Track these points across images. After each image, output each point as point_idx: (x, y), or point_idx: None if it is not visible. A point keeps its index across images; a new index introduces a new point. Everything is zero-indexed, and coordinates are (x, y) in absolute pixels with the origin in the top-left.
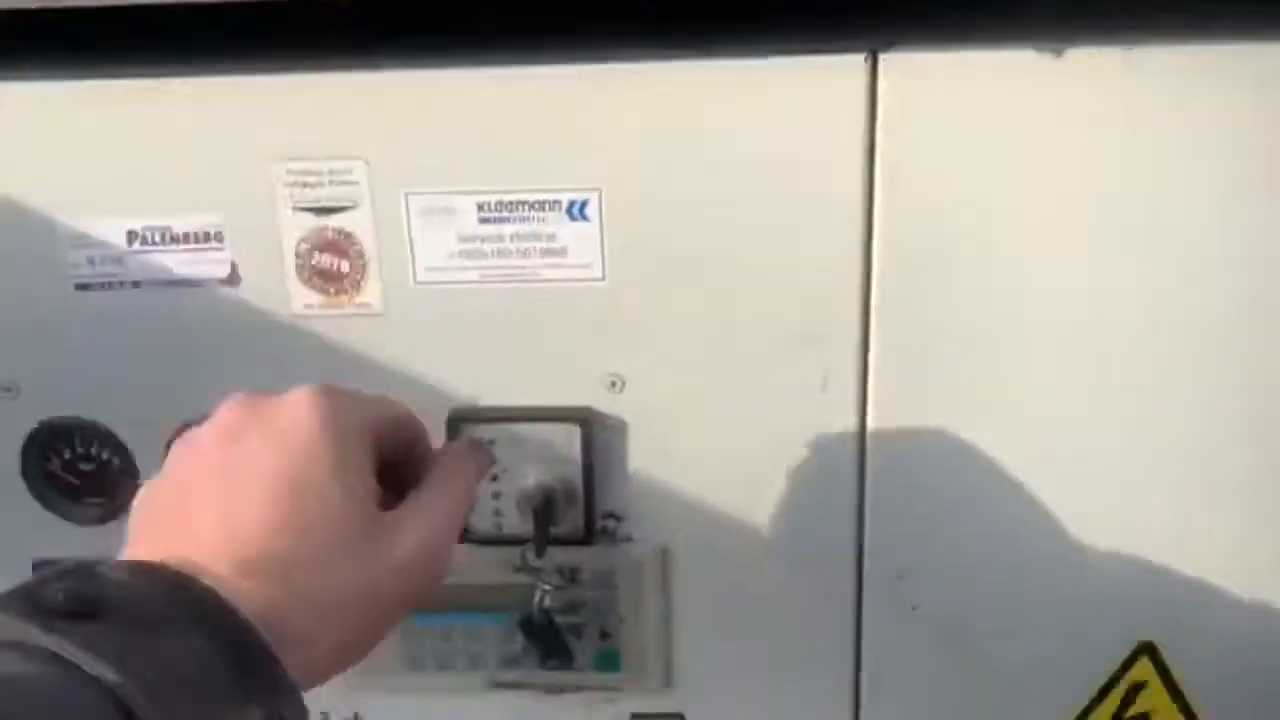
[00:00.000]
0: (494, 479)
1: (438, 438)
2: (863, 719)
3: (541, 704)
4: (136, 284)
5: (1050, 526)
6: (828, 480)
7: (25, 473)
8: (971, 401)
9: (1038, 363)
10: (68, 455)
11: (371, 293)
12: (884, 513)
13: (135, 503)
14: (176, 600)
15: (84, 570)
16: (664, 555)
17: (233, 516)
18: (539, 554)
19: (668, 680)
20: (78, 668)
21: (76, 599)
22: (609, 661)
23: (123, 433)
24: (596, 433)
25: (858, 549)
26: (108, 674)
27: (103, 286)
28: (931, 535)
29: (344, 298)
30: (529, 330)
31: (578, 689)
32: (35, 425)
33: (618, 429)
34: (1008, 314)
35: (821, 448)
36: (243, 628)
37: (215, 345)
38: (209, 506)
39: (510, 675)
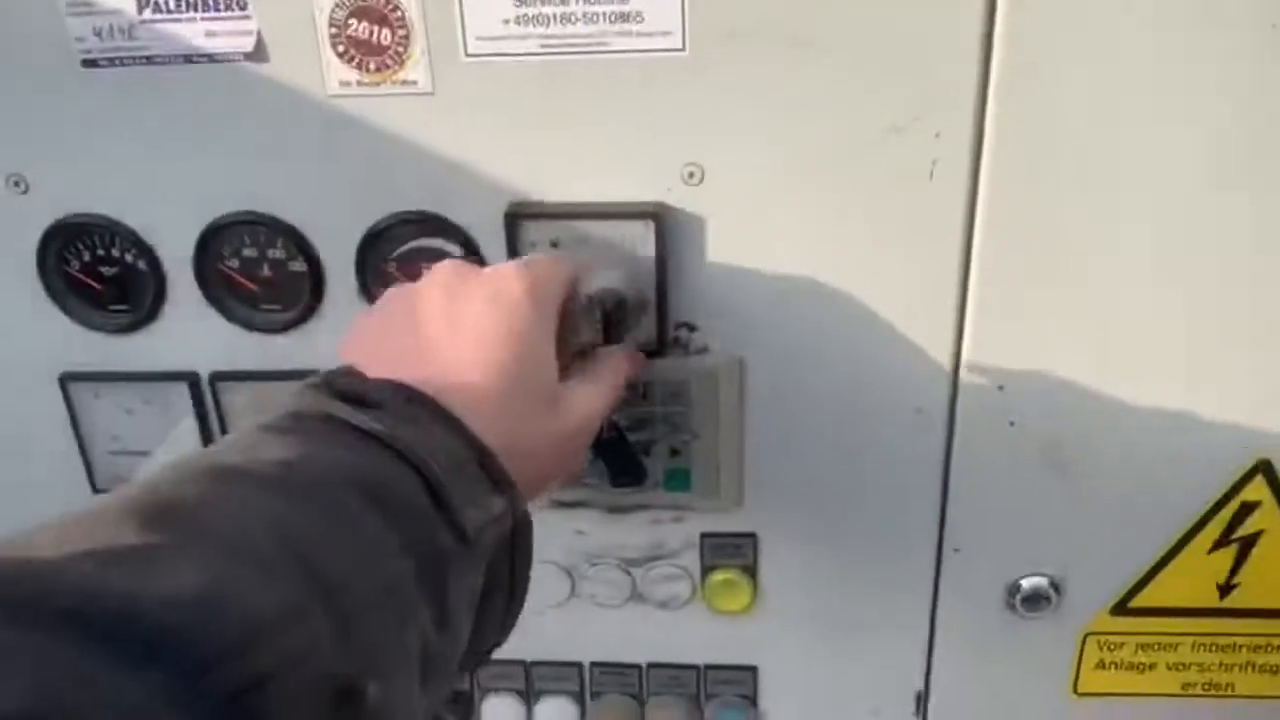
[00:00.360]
0: None
1: (494, 236)
2: (947, 538)
3: (604, 525)
4: (150, 59)
5: (1162, 342)
6: (926, 284)
7: (44, 277)
8: (1089, 202)
9: (1166, 165)
10: (87, 257)
11: (416, 68)
12: (987, 319)
13: (350, 335)
14: (417, 405)
15: (356, 371)
16: (740, 367)
17: (457, 359)
18: None
19: (740, 499)
20: (375, 438)
21: (355, 394)
22: (679, 480)
23: (147, 232)
24: (671, 231)
25: (955, 357)
26: (404, 445)
27: (112, 63)
28: (1037, 346)
29: (385, 74)
30: (596, 112)
31: (644, 508)
32: (50, 224)
33: (695, 227)
34: (1132, 108)
35: (922, 247)
36: (473, 435)
37: (240, 131)
38: (432, 347)
39: (571, 494)
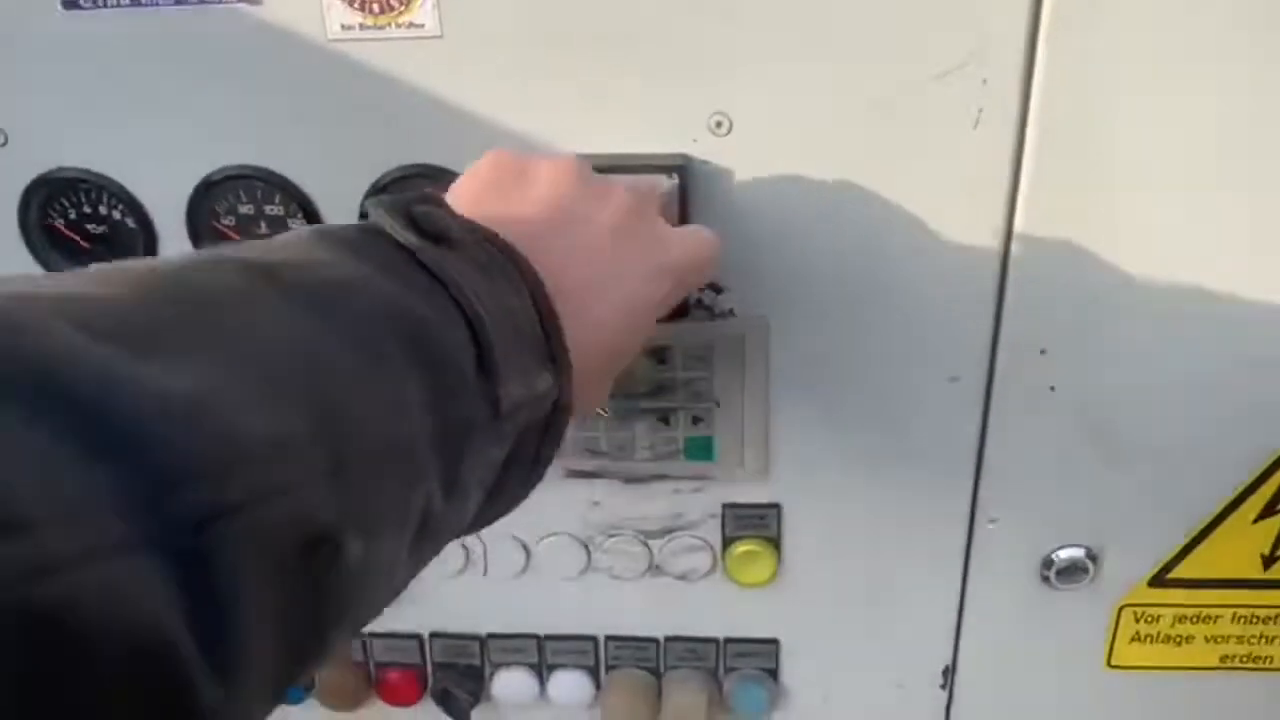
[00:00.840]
0: None
1: None
2: (981, 509)
3: (621, 495)
4: (136, 1)
5: (1210, 307)
6: (967, 243)
7: (26, 235)
8: (1140, 160)
9: (1214, 125)
10: (73, 215)
11: (424, 10)
12: (1030, 280)
13: (450, 191)
14: (497, 252)
15: (436, 201)
16: (767, 330)
17: (546, 216)
18: None
19: (764, 469)
20: (443, 283)
21: (437, 225)
22: (701, 449)
23: (136, 188)
24: (696, 185)
25: (995, 321)
26: (469, 300)
27: (95, 4)
28: (1081, 309)
29: (390, 16)
30: (617, 55)
31: (663, 479)
32: (31, 179)
33: (721, 181)
34: (1184, 60)
35: (963, 202)
36: (546, 300)
37: (234, 79)
38: (529, 201)
39: (587, 463)
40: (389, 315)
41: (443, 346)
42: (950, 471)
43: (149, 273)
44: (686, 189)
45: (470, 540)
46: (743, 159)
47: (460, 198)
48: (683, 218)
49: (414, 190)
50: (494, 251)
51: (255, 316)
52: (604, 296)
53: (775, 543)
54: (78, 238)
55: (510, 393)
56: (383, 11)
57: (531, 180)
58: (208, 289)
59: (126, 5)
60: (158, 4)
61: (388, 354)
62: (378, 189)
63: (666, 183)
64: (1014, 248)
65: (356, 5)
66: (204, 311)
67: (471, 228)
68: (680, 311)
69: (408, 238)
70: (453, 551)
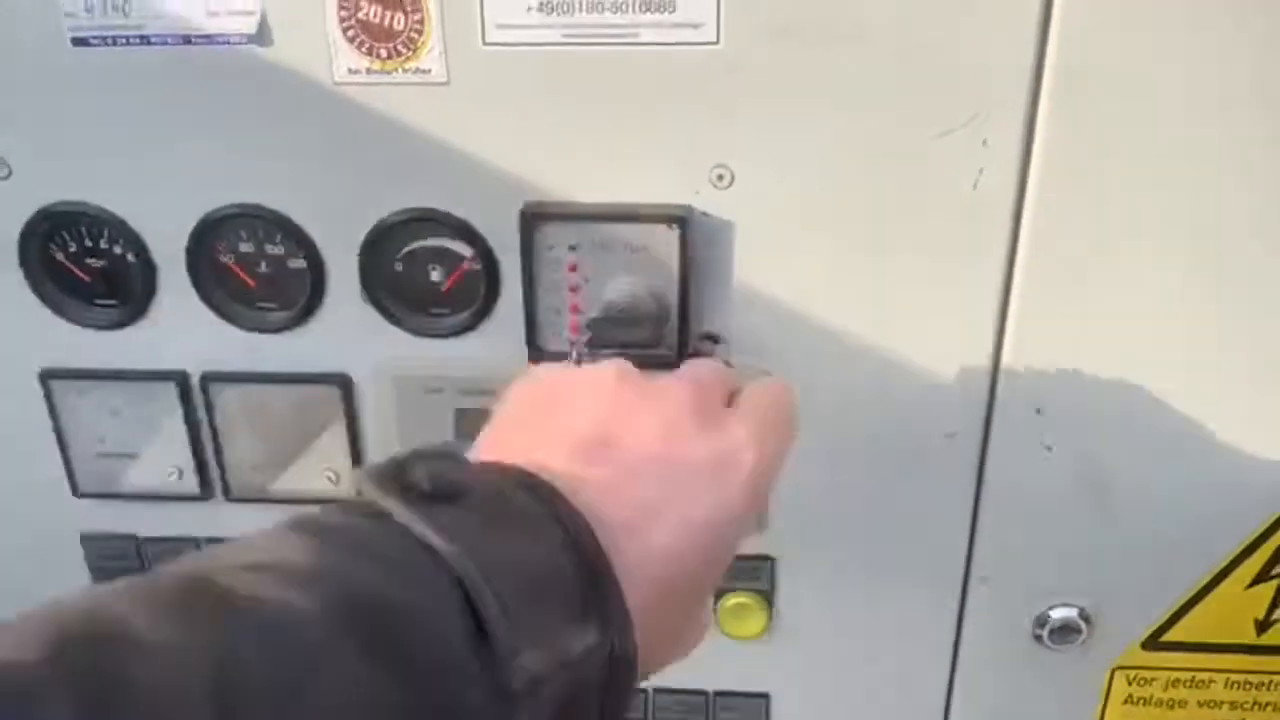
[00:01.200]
0: (573, 290)
1: (509, 237)
2: (975, 567)
3: None
4: (145, 39)
5: (1208, 370)
6: (964, 300)
7: (26, 268)
8: (1139, 223)
9: (1212, 192)
10: (74, 249)
11: (431, 56)
12: (1027, 338)
13: (483, 434)
14: (534, 499)
15: (451, 453)
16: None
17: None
18: None
19: (763, 524)
20: (429, 548)
21: (440, 482)
22: None
23: (138, 223)
24: (696, 237)
25: (992, 378)
26: (457, 558)
27: (104, 41)
28: (1077, 368)
29: (397, 62)
30: (621, 108)
31: None
32: (33, 212)
33: (721, 233)
34: (1182, 137)
35: (961, 261)
36: (591, 539)
37: (240, 119)
38: (571, 427)
39: None
40: (348, 612)
41: (421, 634)
42: (945, 528)
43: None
44: (688, 239)
45: None
46: (743, 212)
47: (490, 439)
48: (683, 267)
49: (441, 446)
50: (517, 495)
51: (175, 647)
52: (664, 520)
53: (768, 596)
54: (78, 271)
55: (528, 663)
56: (390, 57)
57: (565, 405)
58: (128, 622)
59: (135, 43)
60: (166, 41)
61: (344, 662)
62: (379, 232)
63: (728, 367)
64: (1012, 306)
65: (364, 50)
66: (120, 643)
67: (489, 474)
68: (678, 361)
69: (393, 504)
70: None
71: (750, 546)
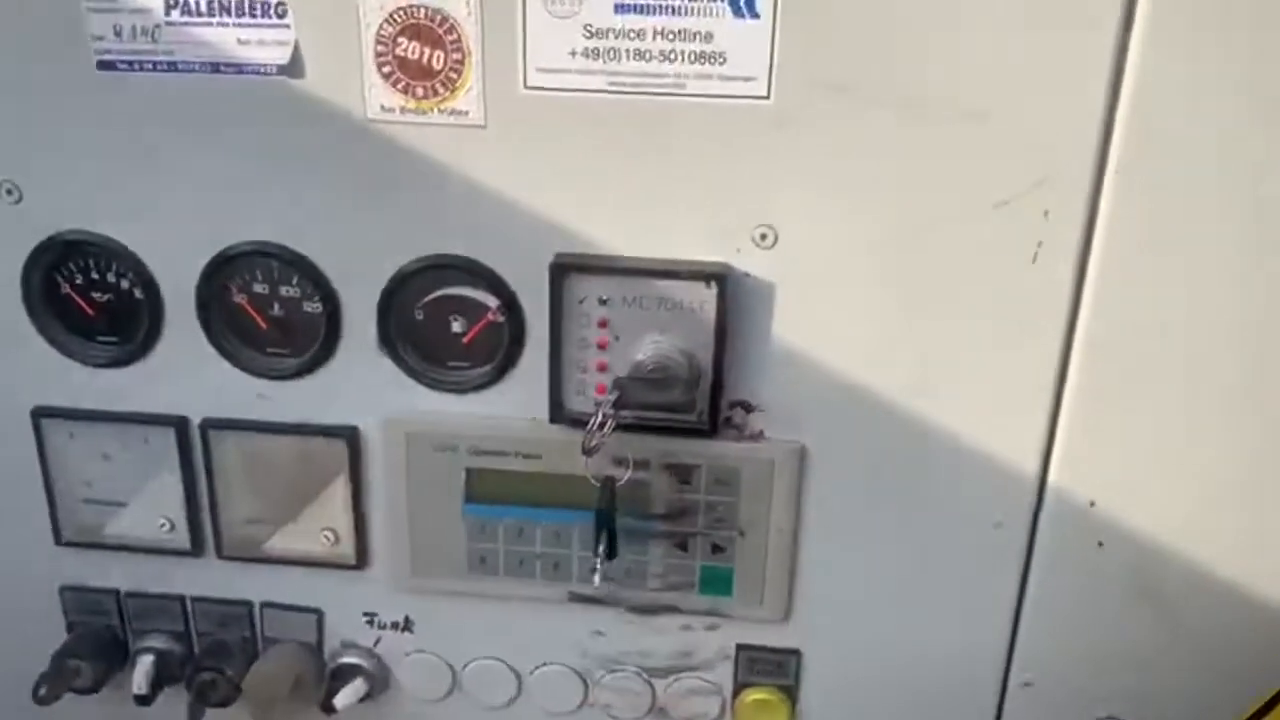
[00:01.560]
0: (601, 347)
1: (537, 289)
2: (1016, 668)
3: (627, 627)
4: (173, 65)
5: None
6: (1017, 380)
7: (28, 299)
8: (1203, 306)
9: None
10: (79, 281)
11: (469, 98)
12: (1082, 425)
13: None
14: None
15: None
16: (801, 457)
17: None
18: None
19: (786, 610)
20: None
21: None
22: (719, 582)
23: (148, 257)
24: (735, 297)
25: (1043, 466)
26: None
27: (130, 66)
28: (1134, 461)
29: (434, 101)
30: (664, 160)
31: (674, 611)
32: (41, 240)
33: (762, 294)
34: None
35: (1016, 338)
36: None
37: (264, 152)
38: None
39: (591, 588)
40: None
41: None
42: (987, 626)
43: None
44: (726, 299)
45: (456, 658)
46: (786, 273)
47: None
48: (719, 328)
49: None
50: None
51: None
52: None
53: (791, 692)
54: (83, 304)
55: None
56: (426, 95)
57: None
58: None
59: (163, 69)
60: (194, 68)
61: None
62: (401, 278)
63: None
64: (1067, 388)
65: (400, 87)
66: None
67: None
68: (709, 428)
69: None
70: (437, 672)
71: (775, 638)
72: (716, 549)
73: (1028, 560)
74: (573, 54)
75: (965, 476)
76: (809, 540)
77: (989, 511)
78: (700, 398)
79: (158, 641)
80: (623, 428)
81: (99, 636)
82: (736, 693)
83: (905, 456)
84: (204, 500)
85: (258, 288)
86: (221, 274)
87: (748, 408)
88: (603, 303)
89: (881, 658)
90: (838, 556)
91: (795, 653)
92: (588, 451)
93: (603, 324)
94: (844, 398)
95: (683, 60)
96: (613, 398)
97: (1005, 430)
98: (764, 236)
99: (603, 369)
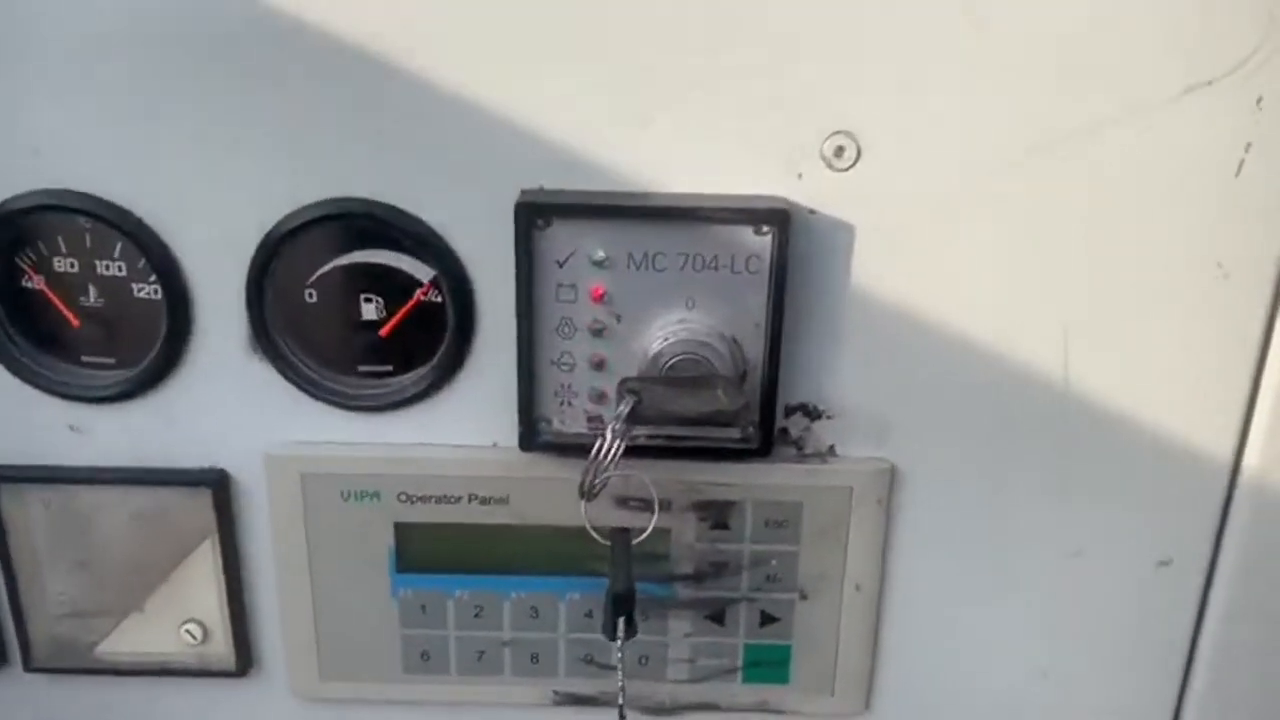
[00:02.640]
0: (597, 333)
1: (496, 244)
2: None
3: None
4: None
5: None
6: (1198, 369)
7: None
8: None
9: None
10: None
11: None
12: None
13: None
14: None
15: None
16: (890, 482)
17: None
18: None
19: (864, 702)
20: None
21: None
22: (772, 665)
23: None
24: (798, 249)
25: (1228, 488)
26: None
27: None
28: None
29: None
30: (685, 37)
31: (710, 709)
32: None
33: (835, 242)
34: None
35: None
36: None
37: (65, 50)
38: None
39: (584, 683)
40: None
41: None
42: (1148, 690)
43: None
44: (786, 250)
45: None
46: (872, 208)
47: None
48: (776, 299)
49: None
50: None
51: None
52: None
53: None
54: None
55: None
56: None
57: None
58: None
59: None
60: None
61: None
62: (279, 237)
63: None
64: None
65: None
66: None
67: None
68: (760, 446)
69: None
70: None
71: None
72: (768, 619)
73: (1203, 604)
74: None
75: (1121, 502)
76: (897, 601)
77: (1154, 546)
78: (748, 400)
79: None
80: (630, 450)
81: None
82: None
83: (1037, 476)
84: None
85: (61, 264)
86: (2, 245)
87: (812, 413)
88: (598, 264)
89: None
90: (939, 624)
91: None
92: (588, 494)
93: (598, 297)
94: (951, 396)
95: None
96: (625, 409)
97: (1179, 437)
98: (839, 151)
99: (599, 366)
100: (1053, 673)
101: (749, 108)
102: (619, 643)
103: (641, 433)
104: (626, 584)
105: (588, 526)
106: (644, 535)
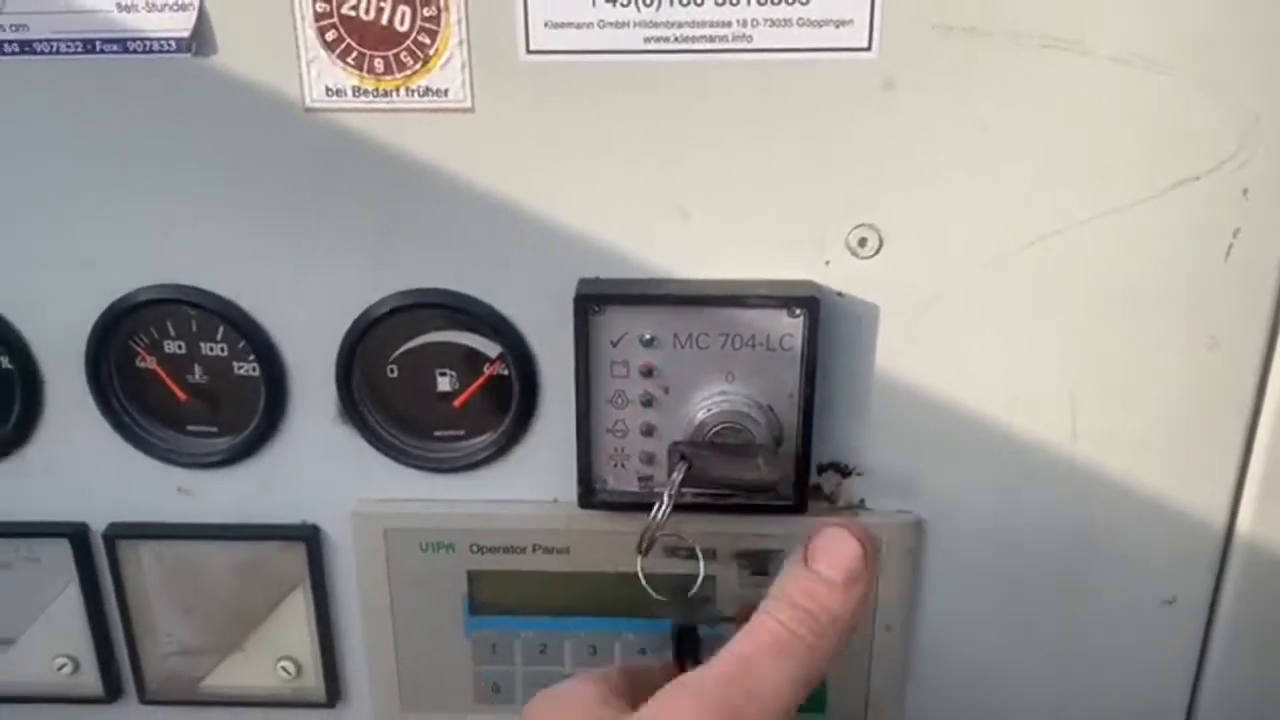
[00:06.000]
0: (646, 404)
1: (554, 329)
2: None
3: None
4: (28, 45)
5: None
6: (1194, 418)
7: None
8: None
9: None
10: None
11: (448, 71)
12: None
13: None
14: None
15: None
16: (917, 533)
17: None
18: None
19: None
20: None
21: None
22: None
23: (16, 315)
24: (827, 327)
25: (1228, 525)
26: None
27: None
28: None
29: (399, 79)
30: (723, 143)
31: None
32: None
33: (861, 321)
34: None
35: (1195, 363)
36: None
37: (169, 162)
38: None
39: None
40: None
41: None
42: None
43: None
44: (816, 329)
45: None
46: (893, 291)
47: None
48: (808, 370)
49: None
50: None
51: None
52: None
53: None
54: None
55: None
56: (388, 71)
57: None
58: None
59: (13, 51)
60: (59, 48)
61: None
62: (364, 325)
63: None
64: (1263, 429)
65: (352, 60)
66: None
67: None
68: (796, 502)
69: None
70: None
71: None
72: None
73: (1205, 642)
74: (594, 2)
75: (1129, 545)
76: (925, 643)
77: (1159, 585)
78: (781, 462)
79: None
80: (679, 506)
81: None
82: None
83: (1051, 526)
84: (116, 629)
85: (170, 347)
86: (120, 330)
87: (843, 471)
88: (646, 344)
89: None
90: (963, 663)
91: None
92: (645, 548)
93: (648, 372)
94: (971, 454)
95: (748, 2)
96: (679, 475)
97: (1178, 481)
98: (863, 242)
99: (649, 432)
100: (1072, 708)
101: (783, 203)
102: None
103: (689, 491)
104: (689, 627)
105: (641, 579)
106: (696, 587)
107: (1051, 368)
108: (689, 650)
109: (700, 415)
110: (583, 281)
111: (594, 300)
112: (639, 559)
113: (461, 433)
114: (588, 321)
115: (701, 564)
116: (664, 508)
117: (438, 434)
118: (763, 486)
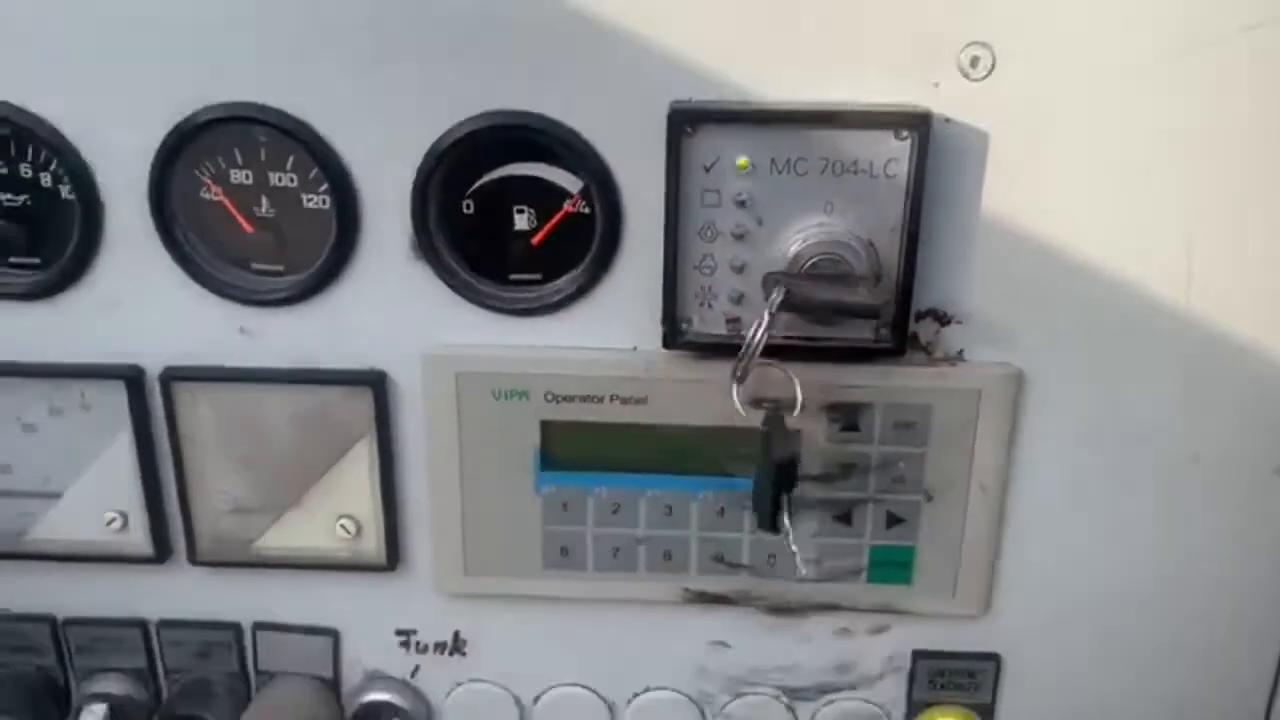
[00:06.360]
0: (739, 237)
1: (645, 155)
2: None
3: (762, 633)
4: None
5: None
6: None
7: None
8: None
9: None
10: None
11: None
12: None
13: None
14: None
15: None
16: (1018, 386)
17: None
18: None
19: (985, 603)
20: None
21: None
22: (895, 567)
23: (79, 137)
24: (932, 154)
25: None
26: None
27: None
28: None
29: None
30: None
31: (829, 609)
32: None
33: (968, 151)
34: None
35: None
36: None
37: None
38: None
39: (715, 581)
40: None
41: None
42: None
43: None
44: (924, 156)
45: (525, 688)
46: (1006, 117)
47: None
48: (913, 203)
49: None
50: None
51: None
52: None
53: (988, 714)
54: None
55: None
56: None
57: None
58: None
59: None
60: None
61: None
62: (439, 153)
63: None
64: None
65: None
66: None
67: None
68: (895, 346)
69: None
70: (499, 707)
71: (969, 641)
72: (894, 520)
73: None
74: None
75: (1243, 403)
76: (1021, 504)
77: (1269, 454)
78: (884, 301)
79: (112, 685)
80: (767, 350)
81: (28, 682)
82: (911, 717)
83: (1161, 382)
84: (168, 484)
85: (237, 176)
86: (184, 156)
87: (942, 318)
88: (742, 171)
89: (1111, 669)
90: (1060, 526)
91: (994, 659)
92: (740, 375)
93: (741, 202)
94: (1077, 303)
95: None
96: (779, 296)
97: None
98: (975, 61)
99: (740, 269)
100: (1169, 575)
101: (890, 19)
102: (785, 515)
103: (779, 332)
104: (787, 452)
105: (737, 404)
106: (794, 414)
107: (1170, 207)
108: (785, 484)
109: (795, 248)
110: (675, 102)
111: (687, 118)
112: (735, 387)
113: (538, 275)
114: (679, 143)
115: (799, 393)
116: (762, 326)
117: (513, 275)
118: (866, 311)
